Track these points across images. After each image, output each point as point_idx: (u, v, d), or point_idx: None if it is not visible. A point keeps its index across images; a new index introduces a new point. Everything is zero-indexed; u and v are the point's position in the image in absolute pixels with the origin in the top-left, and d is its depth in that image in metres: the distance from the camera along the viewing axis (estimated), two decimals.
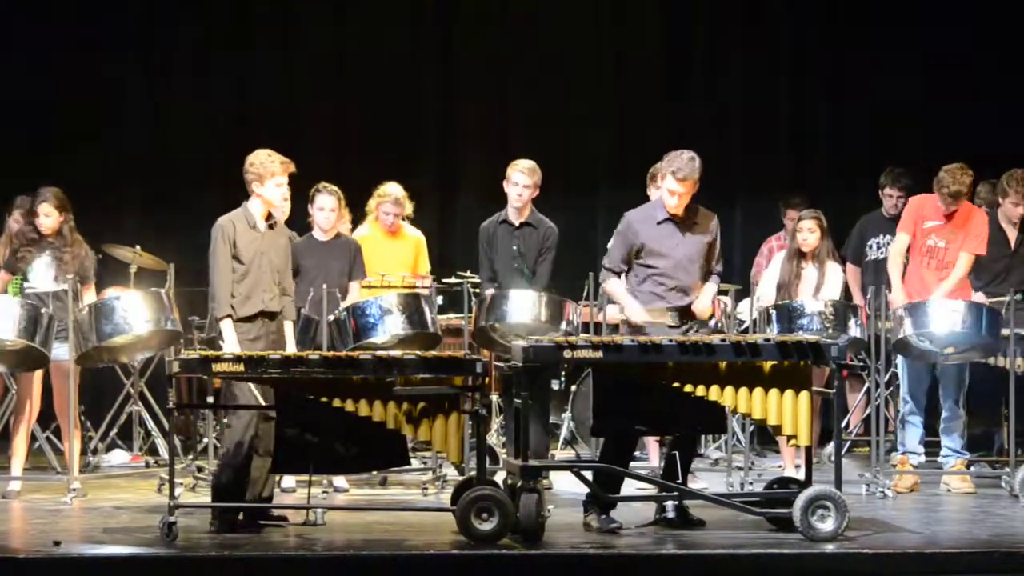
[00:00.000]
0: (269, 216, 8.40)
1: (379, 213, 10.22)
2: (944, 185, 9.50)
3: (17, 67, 12.40)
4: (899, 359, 9.72)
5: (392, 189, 10.22)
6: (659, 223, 8.41)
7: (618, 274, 8.50)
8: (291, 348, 8.37)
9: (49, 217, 9.55)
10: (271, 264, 8.33)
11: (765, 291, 9.98)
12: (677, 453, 8.21)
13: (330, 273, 9.56)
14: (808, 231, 9.83)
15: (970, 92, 12.57)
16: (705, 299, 8.42)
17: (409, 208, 10.29)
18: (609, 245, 8.65)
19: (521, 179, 9.74)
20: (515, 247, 9.78)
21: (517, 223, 9.83)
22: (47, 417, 10.01)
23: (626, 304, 8.44)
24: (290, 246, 8.65)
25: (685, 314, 8.39)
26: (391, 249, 10.21)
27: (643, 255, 8.39)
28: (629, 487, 8.76)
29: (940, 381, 9.67)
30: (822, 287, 9.81)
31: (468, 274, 10.18)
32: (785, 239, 10.89)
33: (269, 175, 8.29)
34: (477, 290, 9.91)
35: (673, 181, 8.32)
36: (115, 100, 12.62)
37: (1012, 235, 9.91)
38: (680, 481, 8.17)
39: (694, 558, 7.45)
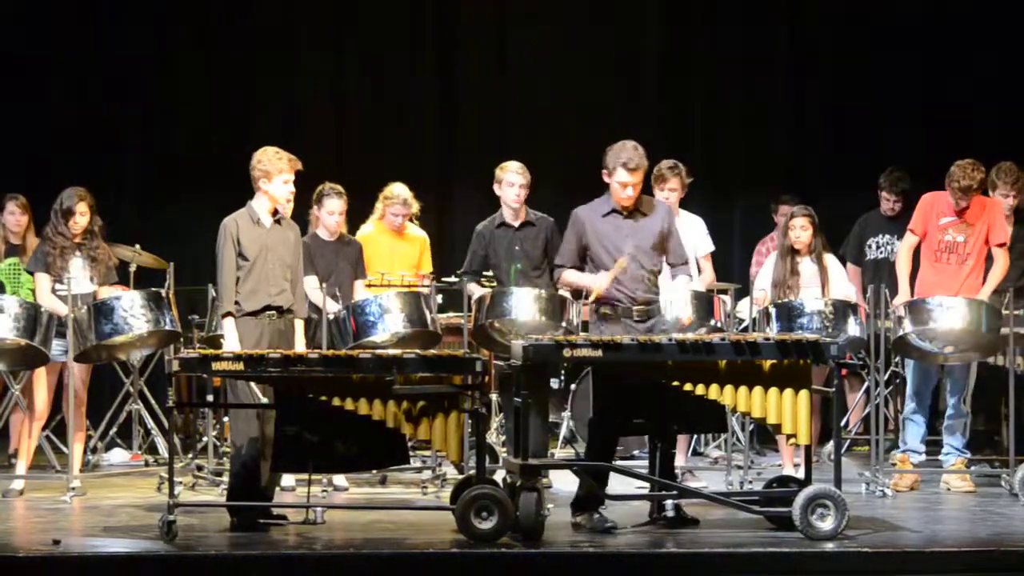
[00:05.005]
0: (275, 212, 8.41)
1: (386, 214, 10.23)
2: (955, 180, 9.45)
3: (18, 66, 12.40)
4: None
5: (399, 190, 10.22)
6: (604, 216, 8.40)
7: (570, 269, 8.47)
8: (300, 346, 8.37)
9: (84, 216, 9.55)
10: (279, 259, 8.35)
11: (760, 287, 9.92)
12: (660, 448, 8.19)
13: (340, 273, 9.60)
14: (801, 228, 9.78)
15: (970, 92, 12.58)
16: (680, 303, 8.33)
17: (416, 207, 10.31)
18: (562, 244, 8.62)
19: (516, 179, 9.75)
20: (517, 247, 9.79)
21: (517, 224, 9.84)
22: (47, 416, 10.00)
23: (588, 281, 8.36)
24: (300, 240, 8.64)
25: (648, 306, 8.37)
26: (396, 248, 10.23)
27: (592, 251, 8.37)
28: (629, 486, 8.76)
29: (949, 378, 9.65)
30: (828, 283, 9.75)
31: None
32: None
33: (276, 172, 8.34)
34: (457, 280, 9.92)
35: (625, 173, 8.31)
36: (115, 100, 12.63)
37: (1008, 229, 9.88)
38: (664, 475, 8.15)
39: (694, 557, 7.44)
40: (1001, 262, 9.58)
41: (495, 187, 9.84)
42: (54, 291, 9.42)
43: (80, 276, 9.41)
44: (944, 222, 9.60)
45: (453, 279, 10.28)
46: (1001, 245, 9.57)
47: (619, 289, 8.36)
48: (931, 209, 9.65)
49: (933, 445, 10.03)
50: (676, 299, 8.40)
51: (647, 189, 9.80)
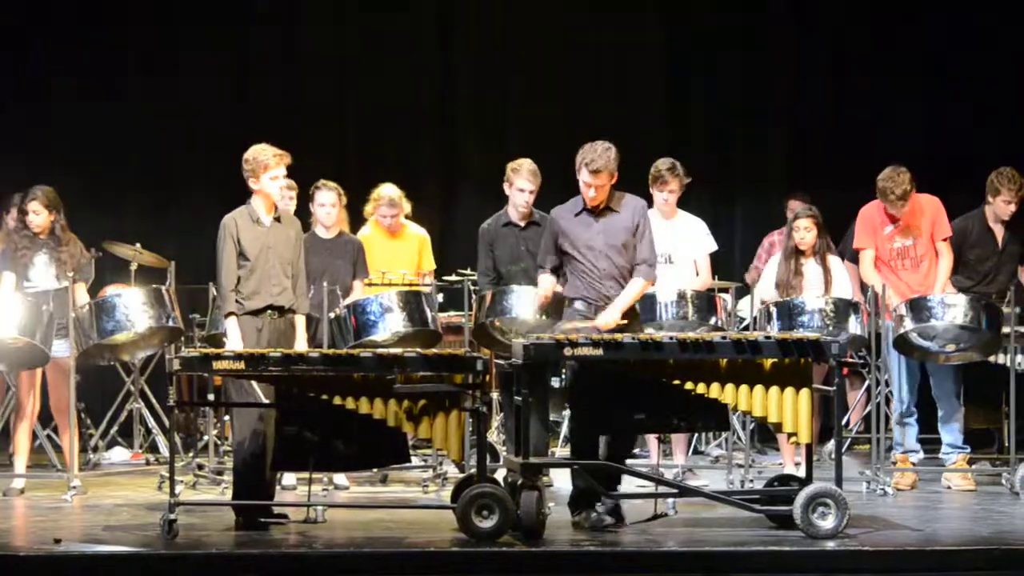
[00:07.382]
0: (275, 209, 8.40)
1: (377, 216, 10.25)
2: (891, 192, 9.52)
3: (17, 65, 12.41)
4: (891, 360, 9.66)
5: (386, 191, 10.22)
6: (576, 215, 8.40)
7: (551, 270, 8.50)
8: (301, 343, 8.37)
9: (39, 215, 9.54)
10: (279, 257, 8.33)
11: (765, 290, 9.93)
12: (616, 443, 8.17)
13: (335, 271, 9.60)
14: (805, 229, 9.78)
15: (971, 92, 12.59)
16: (612, 309, 8.22)
17: (407, 207, 10.30)
18: None
19: (527, 185, 9.67)
20: (523, 247, 9.78)
21: (523, 224, 9.82)
22: (48, 415, 10.01)
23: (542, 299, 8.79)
24: (301, 237, 8.62)
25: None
26: (392, 249, 10.23)
27: (566, 248, 8.39)
28: (630, 484, 8.77)
29: (933, 377, 9.66)
30: (831, 284, 9.75)
31: (468, 272, 10.18)
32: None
33: (263, 169, 8.30)
34: (477, 288, 9.91)
35: (587, 173, 8.30)
36: (116, 98, 12.63)
37: (1000, 234, 9.90)
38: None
39: (695, 555, 7.44)
40: (947, 257, 9.64)
41: (506, 185, 9.80)
42: (23, 289, 9.42)
43: (44, 274, 9.43)
44: (888, 231, 9.68)
45: (454, 277, 10.28)
46: (946, 240, 9.64)
47: (590, 285, 8.35)
48: (872, 221, 9.71)
49: (930, 444, 10.03)
50: (613, 302, 8.29)
51: (644, 190, 9.84)
